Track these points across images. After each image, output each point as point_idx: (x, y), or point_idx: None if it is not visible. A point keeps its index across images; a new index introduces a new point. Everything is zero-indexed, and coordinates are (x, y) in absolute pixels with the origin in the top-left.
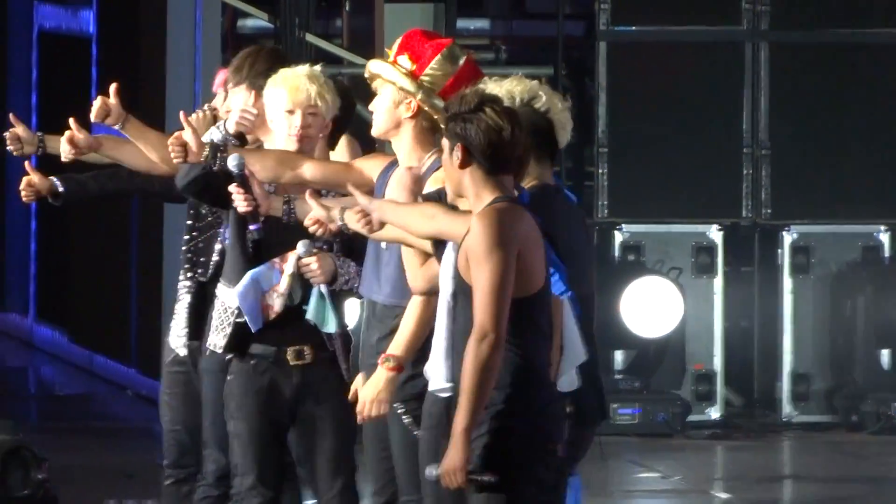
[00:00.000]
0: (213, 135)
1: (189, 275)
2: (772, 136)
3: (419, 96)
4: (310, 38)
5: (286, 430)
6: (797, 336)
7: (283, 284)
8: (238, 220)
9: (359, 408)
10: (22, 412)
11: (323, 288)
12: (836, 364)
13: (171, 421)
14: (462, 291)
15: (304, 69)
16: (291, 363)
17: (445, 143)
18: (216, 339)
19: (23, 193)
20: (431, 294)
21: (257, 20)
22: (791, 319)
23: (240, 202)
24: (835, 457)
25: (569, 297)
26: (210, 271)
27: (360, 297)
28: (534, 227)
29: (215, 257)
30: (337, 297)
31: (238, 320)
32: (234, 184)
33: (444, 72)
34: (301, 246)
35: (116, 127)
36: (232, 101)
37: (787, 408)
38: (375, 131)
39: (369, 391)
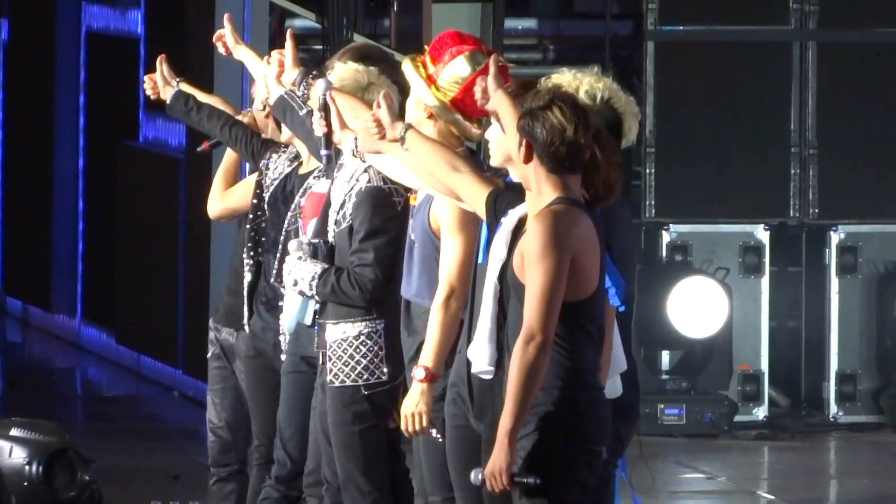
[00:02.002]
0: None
1: (252, 253)
2: (819, 135)
3: (431, 102)
4: (357, 38)
5: None
6: (844, 336)
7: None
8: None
9: (402, 425)
10: (69, 413)
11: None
12: (882, 364)
13: (215, 417)
14: (514, 287)
15: None
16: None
17: (514, 133)
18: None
19: (147, 85)
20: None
21: (305, 20)
22: (838, 319)
23: (317, 124)
24: (881, 457)
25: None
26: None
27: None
28: (592, 231)
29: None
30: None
31: None
32: (317, 107)
33: (456, 78)
34: (293, 244)
35: (171, 93)
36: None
37: (833, 408)
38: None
39: (408, 406)
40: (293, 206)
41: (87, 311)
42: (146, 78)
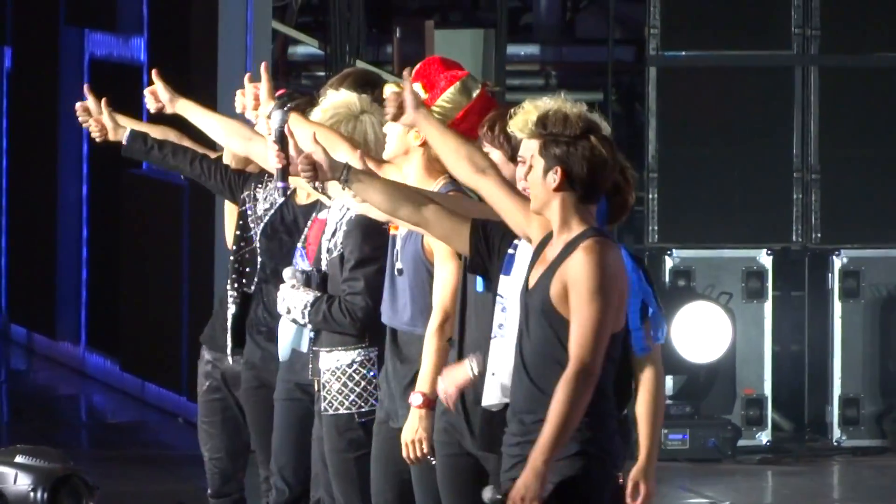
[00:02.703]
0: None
1: (235, 285)
2: (822, 160)
3: None
4: (360, 64)
5: None
6: (847, 360)
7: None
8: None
9: (403, 453)
10: (73, 440)
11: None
12: (886, 388)
13: (213, 449)
14: (548, 317)
15: None
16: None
17: (537, 159)
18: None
19: (93, 128)
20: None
21: (308, 47)
22: (841, 344)
23: (273, 157)
24: (884, 481)
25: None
26: (255, 282)
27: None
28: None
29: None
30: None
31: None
32: (273, 140)
33: (455, 104)
34: (287, 272)
35: (171, 109)
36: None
37: (836, 432)
38: (386, 154)
39: (408, 434)
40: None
41: (92, 339)
42: (147, 91)
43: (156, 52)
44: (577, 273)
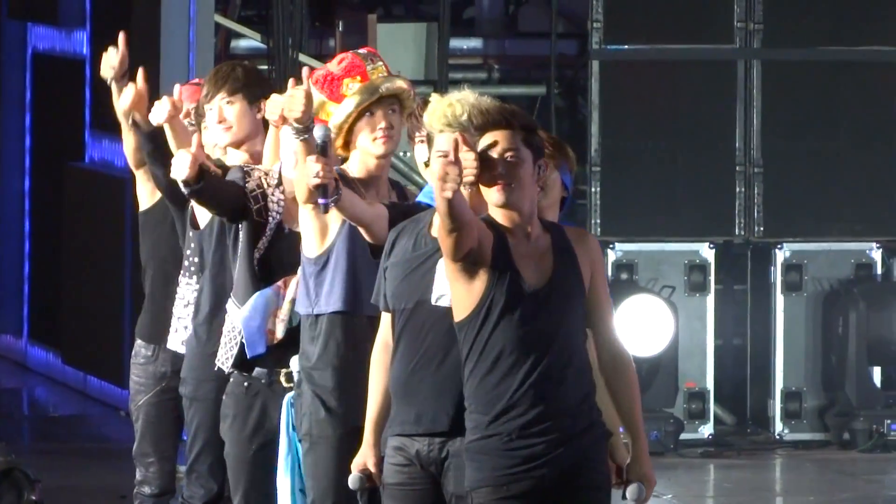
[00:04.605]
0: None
1: (195, 278)
2: (764, 153)
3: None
4: (303, 58)
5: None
6: (789, 354)
7: (285, 310)
8: (249, 237)
9: None
10: (15, 433)
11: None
12: (828, 382)
13: (169, 448)
14: (579, 302)
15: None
16: (284, 385)
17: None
18: (222, 357)
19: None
20: None
21: (251, 41)
22: (783, 337)
23: (318, 172)
24: (827, 474)
25: None
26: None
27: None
28: None
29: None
30: None
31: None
32: (315, 155)
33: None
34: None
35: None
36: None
37: (779, 425)
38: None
39: None
40: None
41: (34, 332)
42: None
43: (98, 46)
44: (601, 258)
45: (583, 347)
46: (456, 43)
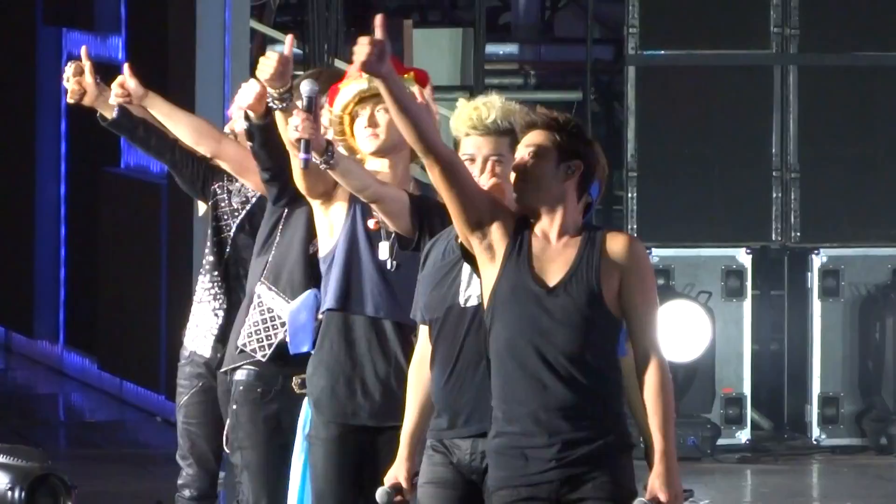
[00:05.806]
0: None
1: (208, 277)
2: (801, 159)
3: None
4: (339, 63)
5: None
6: (826, 359)
7: None
8: (308, 230)
9: None
10: (51, 439)
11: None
12: (865, 387)
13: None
14: (594, 308)
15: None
16: (297, 392)
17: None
18: (254, 343)
19: (73, 87)
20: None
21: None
22: (820, 342)
23: (298, 125)
24: (864, 480)
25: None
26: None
27: None
28: None
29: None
30: None
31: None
32: (302, 107)
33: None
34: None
35: (137, 103)
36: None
37: (816, 431)
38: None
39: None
40: None
41: (70, 338)
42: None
43: (134, 52)
44: (641, 262)
45: (600, 353)
46: (492, 48)
